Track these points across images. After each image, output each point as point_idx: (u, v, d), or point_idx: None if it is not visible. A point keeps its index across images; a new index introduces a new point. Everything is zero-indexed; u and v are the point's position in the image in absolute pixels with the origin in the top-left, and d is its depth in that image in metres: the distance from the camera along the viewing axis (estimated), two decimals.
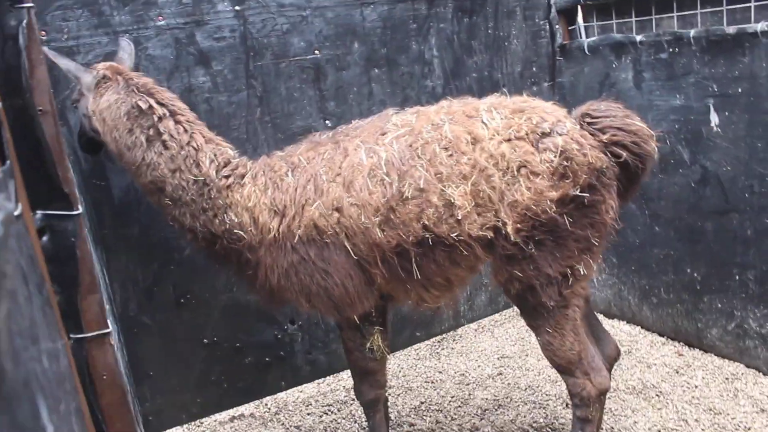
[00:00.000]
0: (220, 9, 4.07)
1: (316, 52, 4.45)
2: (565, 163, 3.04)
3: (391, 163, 3.14)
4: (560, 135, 3.08)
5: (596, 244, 3.21)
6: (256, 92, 4.29)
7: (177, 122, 3.29)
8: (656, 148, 3.23)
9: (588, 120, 3.19)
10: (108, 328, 2.38)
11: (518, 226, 3.06)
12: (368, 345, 3.50)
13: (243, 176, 3.35)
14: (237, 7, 4.12)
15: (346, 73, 4.59)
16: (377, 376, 3.65)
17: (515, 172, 3.05)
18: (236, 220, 3.30)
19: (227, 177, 3.32)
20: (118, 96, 3.27)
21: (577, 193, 3.05)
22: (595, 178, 3.09)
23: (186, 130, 3.29)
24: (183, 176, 3.26)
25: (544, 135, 3.09)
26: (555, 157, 3.03)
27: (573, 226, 3.09)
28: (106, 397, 2.40)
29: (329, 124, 4.52)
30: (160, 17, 3.93)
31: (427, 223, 3.10)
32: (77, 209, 2.29)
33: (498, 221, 3.09)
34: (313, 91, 4.49)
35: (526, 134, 3.09)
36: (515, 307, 3.59)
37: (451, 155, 3.10)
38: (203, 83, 4.11)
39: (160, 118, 3.24)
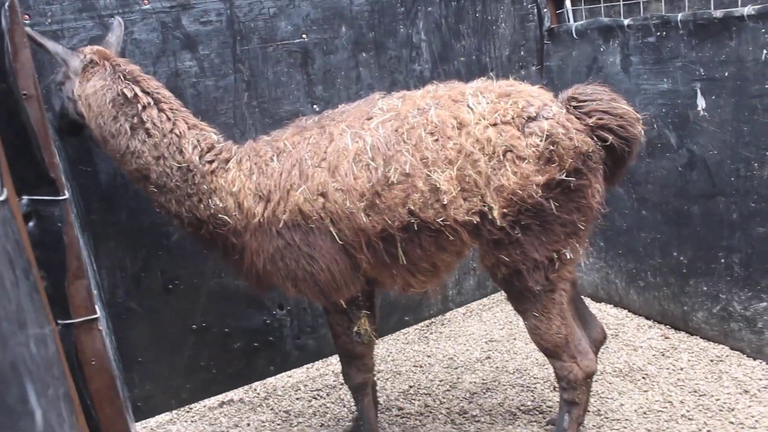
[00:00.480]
0: None
1: (304, 36, 4.42)
2: (551, 147, 3.05)
3: (377, 148, 3.13)
4: (546, 119, 3.09)
5: (582, 228, 3.23)
6: (244, 77, 4.26)
7: (161, 110, 3.29)
8: (642, 131, 3.24)
9: (574, 104, 3.19)
10: (96, 313, 2.37)
11: (504, 210, 3.07)
12: (355, 329, 3.51)
13: (227, 161, 3.35)
14: None
15: (334, 57, 4.57)
16: (365, 360, 3.66)
17: (501, 157, 3.06)
18: (221, 205, 3.31)
19: (211, 162, 3.33)
20: (105, 82, 3.26)
21: (563, 177, 3.07)
22: (581, 162, 3.10)
23: (169, 118, 3.29)
24: (167, 163, 3.27)
25: (530, 119, 3.10)
26: (541, 141, 3.04)
27: (559, 210, 3.11)
28: (95, 382, 2.40)
29: (317, 109, 4.50)
30: (146, 1, 3.89)
31: (412, 208, 3.11)
32: (63, 194, 2.27)
33: (484, 206, 3.10)
34: (301, 75, 4.47)
35: (512, 119, 3.10)
36: (503, 292, 3.59)
37: (436, 140, 3.11)
38: (190, 68, 4.08)
39: (144, 107, 3.24)
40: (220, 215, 3.32)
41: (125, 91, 3.23)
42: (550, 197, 3.09)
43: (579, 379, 3.43)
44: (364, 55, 4.69)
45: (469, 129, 3.10)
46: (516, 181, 3.04)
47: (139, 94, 3.26)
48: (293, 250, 3.26)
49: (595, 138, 3.15)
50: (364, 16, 4.63)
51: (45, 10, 3.65)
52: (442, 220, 3.11)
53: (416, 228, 3.15)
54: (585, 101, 3.19)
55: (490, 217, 3.10)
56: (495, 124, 3.09)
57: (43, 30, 3.63)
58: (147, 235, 4.14)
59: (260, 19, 4.23)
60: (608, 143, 3.15)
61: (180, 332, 4.37)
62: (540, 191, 3.05)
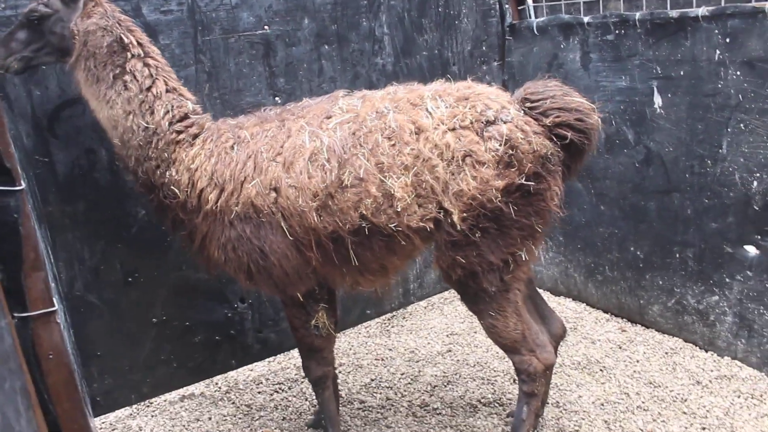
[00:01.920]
0: None
1: (266, 27, 4.39)
2: (510, 151, 3.05)
3: (333, 149, 3.12)
4: (505, 123, 3.08)
5: (539, 230, 3.24)
6: (205, 67, 4.22)
7: (146, 64, 3.28)
8: (599, 120, 3.24)
9: (528, 105, 3.18)
10: (54, 306, 2.34)
11: (464, 215, 3.07)
12: (313, 322, 3.51)
13: (195, 137, 3.35)
14: None
15: (296, 49, 4.55)
16: (324, 353, 3.66)
17: (460, 162, 3.05)
18: (175, 177, 3.31)
19: (179, 132, 3.32)
20: (107, 23, 3.26)
21: (523, 181, 3.07)
22: (540, 165, 3.11)
23: (151, 75, 3.29)
24: (135, 120, 3.26)
25: (489, 123, 3.09)
26: (500, 145, 3.04)
27: (518, 214, 3.11)
28: (53, 376, 2.37)
29: (279, 101, 4.47)
30: None
31: (364, 212, 3.10)
32: (20, 184, 2.23)
33: (440, 212, 3.10)
34: (263, 67, 4.44)
35: (471, 123, 3.09)
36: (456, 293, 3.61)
37: (393, 145, 3.10)
38: None
39: (131, 57, 3.25)
40: (172, 187, 3.32)
41: (123, 36, 3.24)
42: (509, 201, 3.08)
43: (538, 372, 3.46)
44: (326, 47, 4.67)
45: (427, 134, 3.09)
46: (476, 186, 3.04)
47: (134, 43, 3.26)
48: (244, 243, 3.25)
49: (554, 137, 3.16)
50: (327, 8, 4.61)
51: None
52: (394, 226, 3.12)
53: (367, 232, 3.14)
54: (539, 101, 3.17)
55: (449, 221, 3.10)
56: (454, 129, 3.09)
57: None
58: (106, 227, 4.08)
59: (222, 9, 4.19)
60: (567, 140, 3.16)
61: (140, 326, 4.32)
62: (499, 196, 3.05)
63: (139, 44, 3.29)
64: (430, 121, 3.12)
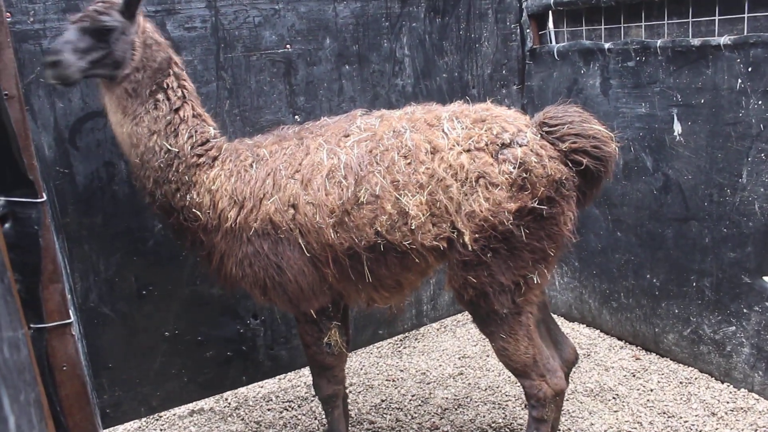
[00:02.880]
0: None
1: (288, 46, 4.43)
2: (524, 174, 3.05)
3: (350, 166, 3.16)
4: (520, 146, 3.09)
5: (552, 254, 3.22)
6: (226, 84, 4.25)
7: (180, 86, 3.33)
8: (616, 149, 3.23)
9: (546, 129, 3.18)
10: (70, 318, 2.34)
11: (476, 236, 3.07)
12: (326, 340, 3.51)
13: (215, 159, 3.37)
14: None
15: (317, 68, 4.58)
16: (335, 371, 3.65)
17: (474, 183, 3.06)
18: (197, 200, 3.33)
19: (200, 156, 3.34)
20: (160, 39, 3.35)
21: (536, 205, 3.07)
22: (554, 190, 3.10)
23: (182, 97, 3.32)
24: (158, 141, 3.27)
25: (504, 146, 3.10)
26: (514, 168, 3.04)
27: (529, 237, 3.11)
28: (66, 388, 2.37)
29: (298, 119, 4.50)
30: None
31: (380, 229, 3.13)
32: (41, 197, 2.25)
33: (453, 232, 3.12)
34: (283, 85, 4.47)
35: (486, 145, 3.11)
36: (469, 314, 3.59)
37: (409, 164, 3.13)
38: None
39: (170, 75, 3.29)
40: (193, 209, 3.33)
41: (172, 56, 3.32)
42: (521, 224, 3.08)
43: (548, 397, 3.42)
44: (347, 67, 4.70)
45: (443, 154, 3.11)
46: (488, 207, 3.04)
47: (177, 62, 3.35)
48: (262, 258, 3.28)
49: (569, 162, 3.15)
50: (349, 28, 4.65)
51: (27, 8, 3.62)
52: (408, 244, 3.14)
53: (383, 248, 3.17)
54: (556, 125, 3.17)
55: (461, 241, 3.10)
56: (469, 150, 3.10)
57: (25, 29, 3.61)
58: (122, 240, 4.10)
59: (245, 27, 4.23)
60: (583, 166, 3.15)
61: (152, 339, 4.33)
62: (511, 218, 3.05)
63: (177, 64, 3.35)
64: (446, 142, 3.14)
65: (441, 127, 3.20)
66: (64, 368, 2.38)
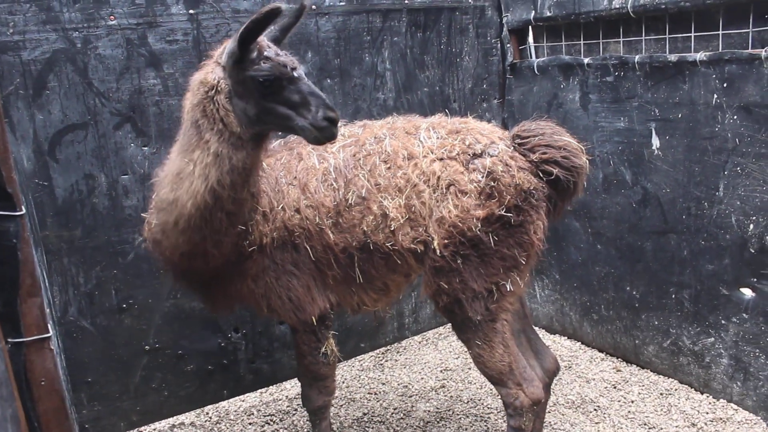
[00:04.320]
0: (173, 11, 4.03)
1: None
2: (492, 183, 3.15)
3: (339, 170, 3.29)
4: (490, 156, 3.20)
5: (523, 262, 3.29)
6: None
7: None
8: (586, 162, 3.30)
9: (518, 141, 3.29)
10: (48, 332, 2.32)
11: (445, 241, 3.17)
12: (323, 350, 3.52)
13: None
14: (191, 11, 4.07)
15: None
16: (327, 382, 3.65)
17: (444, 190, 3.18)
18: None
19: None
20: None
21: (503, 212, 3.15)
22: (522, 199, 3.17)
23: None
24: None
25: (475, 156, 3.22)
26: (482, 177, 3.15)
27: (498, 244, 3.19)
28: (44, 403, 2.34)
29: (279, 133, 4.49)
30: (112, 17, 3.87)
31: (366, 229, 3.25)
32: (20, 210, 2.23)
33: (427, 236, 3.22)
34: None
35: (458, 154, 3.23)
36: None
37: (389, 168, 3.27)
38: (154, 86, 4.05)
39: None
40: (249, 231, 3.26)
41: None
42: (490, 231, 3.16)
43: (525, 406, 3.43)
44: (328, 81, 4.72)
45: (417, 161, 3.24)
46: (456, 214, 3.14)
47: None
48: (277, 268, 3.30)
49: (540, 173, 3.24)
50: (330, 42, 4.66)
51: (7, 20, 3.60)
52: (391, 245, 3.26)
53: (371, 249, 3.29)
54: (528, 137, 3.28)
55: (432, 246, 3.20)
56: (441, 159, 3.23)
57: (4, 40, 3.58)
58: (102, 253, 4.07)
59: (227, 40, 4.23)
60: (553, 176, 3.23)
61: (132, 353, 4.29)
62: (479, 225, 3.13)
63: None
64: (421, 150, 3.27)
65: (418, 135, 3.35)
66: (43, 383, 2.36)
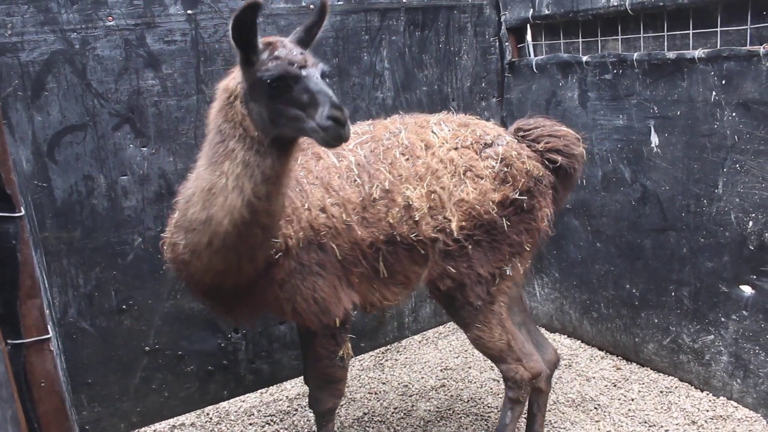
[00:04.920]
0: (171, 12, 4.02)
1: None
2: (506, 168, 3.39)
3: (361, 165, 3.33)
4: (500, 145, 3.46)
5: (527, 248, 3.50)
6: (206, 97, 4.24)
7: None
8: (584, 150, 3.63)
9: (521, 134, 3.58)
10: (48, 333, 2.32)
11: (462, 223, 3.31)
12: (340, 353, 3.50)
13: None
14: (189, 11, 4.07)
15: None
16: (339, 385, 3.61)
17: (462, 175, 3.34)
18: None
19: None
20: None
21: (517, 196, 3.38)
22: (533, 183, 3.44)
23: None
24: None
25: (487, 145, 3.46)
26: (496, 163, 3.39)
27: (510, 229, 3.40)
28: (44, 404, 2.34)
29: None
30: (110, 18, 3.86)
31: (391, 221, 3.29)
32: (19, 211, 2.23)
33: (446, 221, 3.32)
34: None
35: (471, 144, 3.44)
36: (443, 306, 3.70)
37: (408, 159, 3.36)
38: (152, 86, 4.05)
39: None
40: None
41: None
42: (504, 215, 3.37)
43: (525, 380, 3.61)
44: (327, 80, 4.69)
45: (434, 150, 3.38)
46: (475, 196, 3.32)
47: None
48: (303, 270, 3.21)
49: (545, 162, 3.52)
50: (329, 42, 4.66)
51: (5, 21, 3.60)
52: (414, 236, 3.32)
53: (396, 241, 3.32)
54: (530, 129, 3.58)
55: (448, 230, 3.31)
56: (456, 148, 3.41)
57: (2, 41, 3.58)
58: (101, 254, 4.07)
59: (225, 40, 4.23)
60: (558, 164, 3.52)
61: (132, 354, 4.29)
62: (495, 208, 3.34)
63: None
64: (437, 140, 3.43)
65: (430, 128, 3.50)
66: (43, 384, 2.35)
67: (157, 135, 4.12)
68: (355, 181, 3.29)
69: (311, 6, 4.50)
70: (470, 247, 3.35)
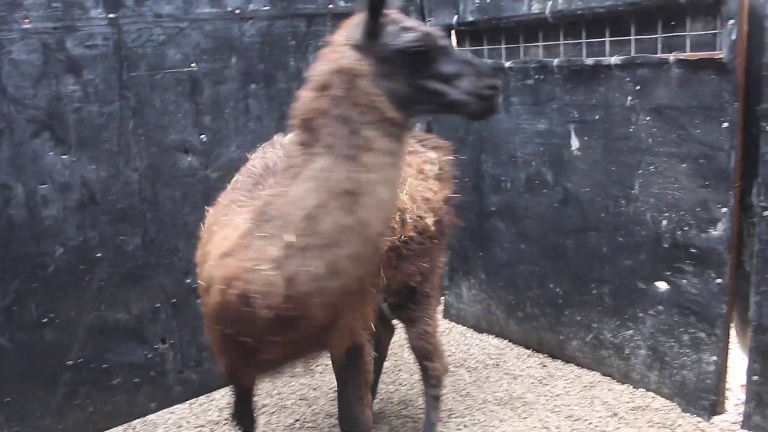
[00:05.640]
0: (93, 15, 3.92)
1: (193, 65, 4.37)
2: (440, 171, 3.71)
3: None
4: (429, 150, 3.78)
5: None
6: (130, 103, 4.15)
7: None
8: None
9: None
10: None
11: (433, 219, 3.50)
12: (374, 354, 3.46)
13: None
14: (111, 15, 3.98)
15: (223, 87, 4.54)
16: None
17: (418, 176, 3.53)
18: None
19: None
20: None
21: (451, 194, 3.77)
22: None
23: None
24: None
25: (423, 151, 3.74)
26: (435, 167, 3.68)
27: (452, 221, 3.76)
28: None
29: (204, 139, 4.45)
30: (27, 20, 3.73)
31: (394, 224, 3.28)
32: None
33: (421, 219, 3.46)
34: (189, 104, 4.40)
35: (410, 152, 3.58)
36: (390, 306, 3.85)
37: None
38: (73, 92, 3.94)
39: None
40: None
41: None
42: (448, 210, 3.70)
43: (442, 378, 3.93)
44: (253, 86, 4.69)
45: None
46: (434, 193, 3.56)
47: None
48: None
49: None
50: (255, 47, 4.63)
51: None
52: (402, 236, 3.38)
53: (399, 243, 3.35)
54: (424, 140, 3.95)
55: (423, 226, 3.48)
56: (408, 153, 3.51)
57: None
58: (20, 266, 3.92)
59: (149, 45, 4.15)
60: None
61: (54, 369, 4.14)
62: (443, 204, 3.63)
63: None
64: None
65: None
66: None
67: (78, 142, 3.99)
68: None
69: (236, 11, 4.47)
70: (435, 241, 3.57)
